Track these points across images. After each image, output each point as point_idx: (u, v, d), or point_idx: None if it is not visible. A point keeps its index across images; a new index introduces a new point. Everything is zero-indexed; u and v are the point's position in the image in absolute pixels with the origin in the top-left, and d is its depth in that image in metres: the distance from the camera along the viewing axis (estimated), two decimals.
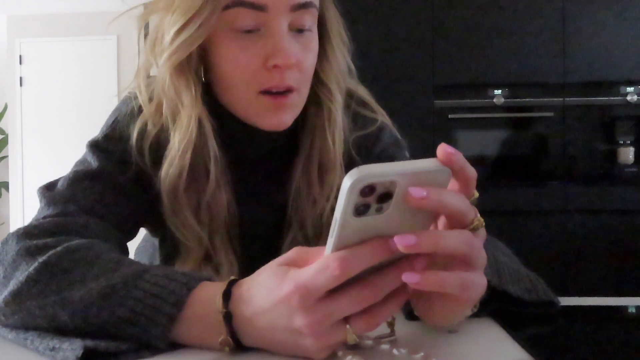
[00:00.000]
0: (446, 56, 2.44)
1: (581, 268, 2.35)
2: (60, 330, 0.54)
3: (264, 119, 0.70)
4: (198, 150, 0.71)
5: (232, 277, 0.52)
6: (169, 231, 0.75)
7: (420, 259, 0.44)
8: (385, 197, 0.41)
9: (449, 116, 2.43)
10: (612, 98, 2.39)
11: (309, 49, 0.70)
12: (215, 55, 0.70)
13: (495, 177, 2.48)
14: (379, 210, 0.41)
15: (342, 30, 0.78)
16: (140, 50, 0.76)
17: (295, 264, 0.48)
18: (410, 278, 0.42)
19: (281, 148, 0.79)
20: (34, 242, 0.60)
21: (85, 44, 4.79)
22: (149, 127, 0.73)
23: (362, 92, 0.85)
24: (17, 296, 0.56)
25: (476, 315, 0.55)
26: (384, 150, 0.83)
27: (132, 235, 0.77)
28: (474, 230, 0.45)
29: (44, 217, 0.67)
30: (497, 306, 0.60)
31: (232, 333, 0.50)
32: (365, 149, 0.82)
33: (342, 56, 0.78)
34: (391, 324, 0.51)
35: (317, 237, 0.78)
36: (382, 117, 0.85)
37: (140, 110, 0.75)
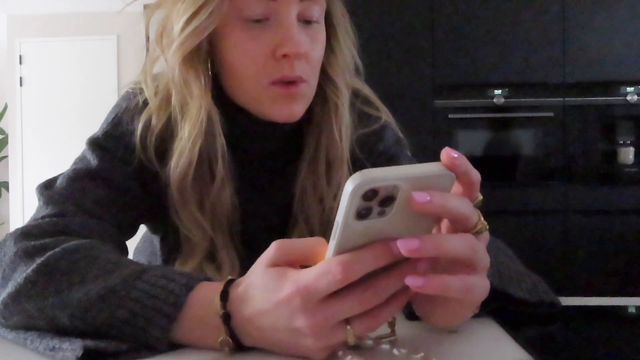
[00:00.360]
0: (446, 56, 2.44)
1: (581, 268, 2.35)
2: (60, 332, 0.54)
3: (275, 110, 0.70)
4: (206, 143, 0.70)
5: (230, 277, 0.52)
6: (172, 228, 0.74)
7: (422, 262, 0.44)
8: (388, 200, 0.41)
9: (449, 116, 2.43)
10: (612, 98, 2.39)
11: (317, 40, 0.70)
12: (224, 46, 0.69)
13: (495, 177, 2.48)
14: (381, 214, 0.41)
15: (349, 26, 0.78)
16: (146, 42, 0.75)
17: (280, 261, 0.48)
18: (413, 282, 0.42)
19: (287, 145, 0.78)
20: (32, 243, 0.59)
21: (85, 44, 4.78)
22: (154, 121, 0.72)
23: (367, 91, 0.85)
24: (15, 298, 0.56)
25: (476, 315, 0.55)
26: (386, 148, 0.83)
27: (131, 234, 0.77)
28: (477, 233, 0.45)
29: (43, 217, 0.66)
30: (497, 306, 0.60)
31: (232, 333, 0.50)
32: (368, 147, 0.81)
33: (348, 51, 0.78)
34: (392, 324, 0.51)
35: (324, 234, 0.77)
36: (386, 115, 0.85)
37: (145, 104, 0.74)
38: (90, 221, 0.67)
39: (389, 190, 0.40)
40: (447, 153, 0.42)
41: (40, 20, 4.79)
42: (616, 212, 2.35)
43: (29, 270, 0.56)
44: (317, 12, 0.70)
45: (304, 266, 0.47)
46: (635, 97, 2.37)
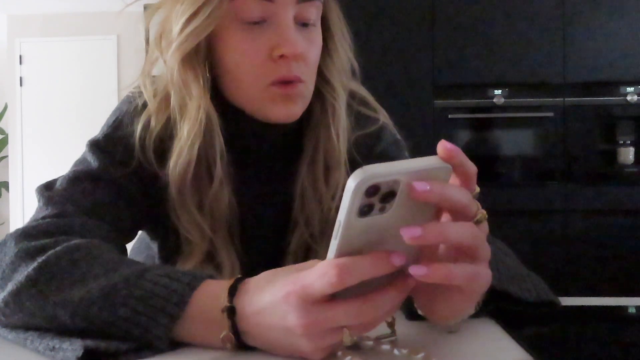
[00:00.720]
0: (446, 56, 2.44)
1: (581, 268, 2.35)
2: (61, 331, 0.54)
3: (273, 110, 0.70)
4: (205, 144, 0.71)
5: (239, 276, 0.53)
6: (171, 230, 0.75)
7: (424, 264, 0.44)
8: (388, 196, 0.41)
9: (449, 116, 2.43)
10: (612, 98, 2.40)
11: (313, 42, 0.71)
12: (222, 47, 0.70)
13: (495, 177, 2.48)
14: (382, 210, 0.42)
15: (345, 29, 0.79)
16: (145, 45, 0.75)
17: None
18: (417, 271, 0.42)
19: (286, 147, 0.79)
20: (33, 243, 0.60)
21: (85, 44, 4.79)
22: (153, 123, 0.73)
23: (364, 92, 0.86)
24: (16, 296, 0.56)
25: (476, 315, 0.55)
26: (384, 150, 0.83)
27: (130, 237, 0.77)
28: (477, 223, 0.46)
29: (43, 218, 0.66)
30: (497, 306, 0.60)
31: (234, 329, 0.50)
32: (366, 149, 0.82)
33: (344, 54, 0.78)
34: (391, 324, 0.52)
35: (323, 236, 0.78)
36: (384, 117, 0.85)
37: (144, 106, 0.75)
38: (90, 222, 0.67)
39: (389, 186, 0.40)
40: (443, 145, 0.43)
41: (40, 20, 4.79)
42: (616, 212, 2.35)
43: (30, 269, 0.56)
44: (314, 15, 0.71)
45: None
46: (635, 97, 2.37)
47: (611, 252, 2.34)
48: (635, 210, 2.34)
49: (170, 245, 0.77)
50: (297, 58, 0.68)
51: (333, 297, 0.45)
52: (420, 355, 0.47)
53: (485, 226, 0.47)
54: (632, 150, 2.40)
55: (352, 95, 0.83)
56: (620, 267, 2.33)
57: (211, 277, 0.54)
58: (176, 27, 0.69)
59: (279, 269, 0.51)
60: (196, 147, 0.70)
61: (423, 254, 0.46)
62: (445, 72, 2.44)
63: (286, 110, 0.70)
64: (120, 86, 4.65)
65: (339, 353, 0.48)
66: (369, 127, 0.83)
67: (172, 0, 0.70)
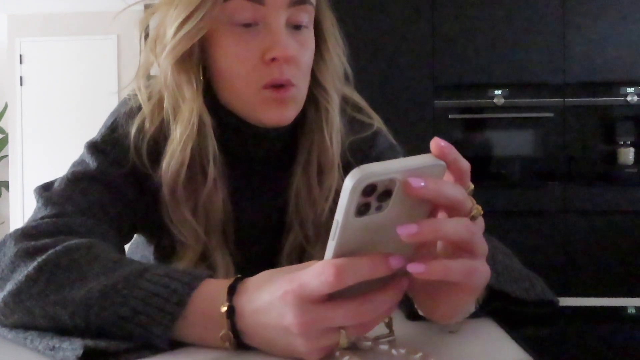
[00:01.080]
0: (446, 56, 2.44)
1: (581, 268, 2.35)
2: (60, 330, 0.54)
3: (266, 114, 0.71)
4: (198, 146, 0.71)
5: (239, 275, 0.53)
6: (166, 232, 0.75)
7: (421, 261, 0.44)
8: (385, 195, 0.41)
9: (449, 116, 2.43)
10: (612, 99, 2.40)
11: (305, 45, 0.72)
12: (215, 51, 0.71)
13: (495, 177, 2.48)
14: (379, 209, 0.42)
15: (337, 33, 0.80)
16: (141, 51, 0.77)
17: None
18: (415, 268, 0.43)
19: (280, 150, 0.79)
20: (32, 243, 0.60)
21: (86, 43, 4.79)
22: (147, 125, 0.74)
23: (357, 98, 0.87)
24: (16, 296, 0.56)
25: (476, 315, 0.55)
26: (380, 154, 0.84)
27: (128, 238, 0.78)
28: (473, 218, 0.46)
29: (42, 218, 0.66)
30: (496, 306, 0.60)
31: (234, 328, 0.50)
32: (361, 153, 0.82)
33: (337, 58, 0.79)
34: (389, 324, 0.51)
35: (318, 238, 0.78)
36: (378, 122, 0.86)
37: (139, 109, 0.75)
38: (90, 221, 0.67)
39: (386, 184, 0.41)
40: (436, 143, 0.43)
41: (41, 19, 4.80)
42: (616, 212, 2.35)
43: (30, 269, 0.56)
44: (306, 18, 0.71)
45: None
46: (636, 98, 2.37)
47: (611, 252, 2.34)
48: (635, 211, 2.34)
49: (165, 248, 0.77)
50: (288, 61, 0.69)
51: (330, 298, 0.45)
52: (418, 355, 0.47)
53: (480, 222, 0.47)
54: (632, 150, 2.40)
55: (345, 100, 0.84)
56: (620, 267, 2.33)
57: (211, 276, 0.54)
58: (170, 31, 0.70)
59: (277, 269, 0.51)
60: (188, 149, 0.70)
61: (421, 252, 0.47)
62: (445, 72, 2.44)
63: (279, 114, 0.71)
64: (121, 86, 4.65)
65: (337, 353, 0.48)
66: (363, 132, 0.83)
67: (166, 5, 0.71)
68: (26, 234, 0.62)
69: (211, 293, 0.51)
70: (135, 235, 0.84)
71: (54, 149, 4.75)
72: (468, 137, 2.49)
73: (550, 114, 2.41)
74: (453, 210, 0.45)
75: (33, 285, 0.55)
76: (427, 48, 2.44)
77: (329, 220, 0.77)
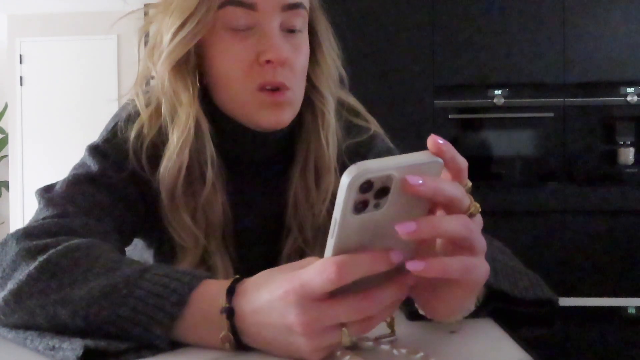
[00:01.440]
0: (446, 56, 2.44)
1: (581, 268, 2.35)
2: (61, 330, 0.54)
3: (262, 117, 0.71)
4: (195, 151, 0.72)
5: (237, 276, 0.53)
6: (166, 236, 0.75)
7: (420, 258, 0.44)
8: (382, 192, 0.41)
9: (449, 116, 2.43)
10: (612, 98, 2.39)
11: (299, 49, 0.73)
12: (211, 55, 0.72)
13: (495, 177, 2.48)
14: (376, 207, 0.42)
15: (332, 38, 0.81)
16: (139, 58, 0.78)
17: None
18: (414, 266, 0.43)
19: (277, 154, 0.79)
20: (34, 242, 0.60)
21: (86, 43, 4.79)
22: (145, 130, 0.75)
23: (353, 101, 0.87)
24: (17, 295, 0.56)
25: (476, 315, 0.55)
26: (377, 157, 0.84)
27: (129, 240, 0.78)
28: (471, 216, 0.46)
29: (43, 218, 0.67)
30: (496, 306, 0.60)
31: (233, 329, 0.50)
32: (359, 157, 0.83)
33: (332, 62, 0.80)
34: (391, 325, 0.52)
35: (316, 240, 0.78)
36: (375, 126, 0.86)
37: (137, 114, 0.76)
38: (91, 222, 0.68)
39: (383, 181, 0.41)
40: (433, 140, 0.44)
41: (41, 19, 4.80)
42: (616, 212, 2.35)
43: (31, 268, 0.56)
44: (300, 22, 0.72)
45: None
46: (635, 98, 2.37)
47: (611, 252, 2.34)
48: (636, 211, 2.34)
49: (165, 252, 0.77)
50: (282, 63, 0.70)
51: (331, 295, 0.45)
52: (419, 355, 0.47)
53: (479, 219, 0.48)
54: (632, 150, 2.40)
55: (341, 104, 0.84)
56: (620, 267, 2.33)
57: (210, 277, 0.54)
58: (166, 38, 0.71)
59: (275, 269, 0.51)
60: (186, 153, 0.71)
61: (420, 250, 0.47)
62: (445, 72, 2.44)
63: (275, 117, 0.71)
64: (121, 86, 4.66)
65: (338, 353, 0.48)
66: (360, 136, 0.84)
67: (163, 13, 0.73)
68: (28, 233, 0.62)
69: (210, 294, 0.51)
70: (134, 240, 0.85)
71: (54, 149, 4.75)
72: (468, 137, 2.49)
73: (550, 114, 2.41)
74: (451, 207, 0.45)
75: (34, 285, 0.55)
76: (427, 48, 2.44)
77: (327, 222, 0.78)
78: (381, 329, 0.51)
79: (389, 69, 2.42)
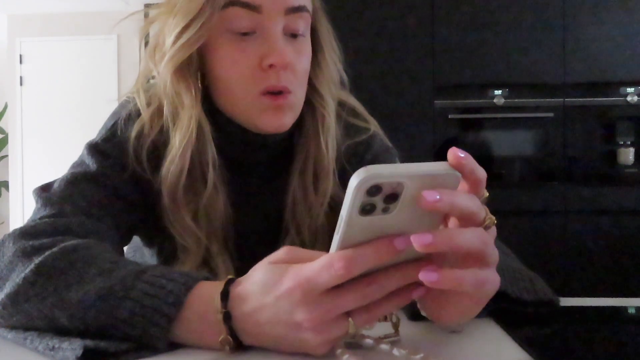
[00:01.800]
0: (446, 56, 2.44)
1: (581, 268, 2.35)
2: (59, 331, 0.54)
3: (264, 121, 0.71)
4: (197, 152, 0.72)
5: (230, 277, 0.53)
6: (167, 237, 0.75)
7: (430, 266, 0.44)
8: (392, 197, 0.41)
9: (449, 116, 2.43)
10: (612, 98, 2.39)
11: (302, 53, 0.73)
12: (214, 58, 0.72)
13: (495, 177, 2.48)
14: (385, 210, 0.42)
15: (333, 41, 0.81)
16: (140, 58, 0.78)
17: (289, 260, 0.49)
18: (428, 277, 0.42)
19: (277, 156, 0.79)
20: (31, 242, 0.60)
21: (86, 43, 4.79)
22: (146, 130, 0.74)
23: (353, 102, 0.87)
24: (14, 298, 0.56)
25: (476, 315, 0.55)
26: (375, 157, 0.84)
27: (127, 239, 0.78)
28: (486, 228, 0.46)
29: (41, 218, 0.66)
30: (497, 306, 0.60)
31: (232, 332, 0.50)
32: (357, 157, 0.83)
33: (333, 65, 0.80)
34: (396, 325, 0.52)
35: (314, 242, 0.78)
36: (374, 127, 0.86)
37: (138, 114, 0.76)
38: (89, 222, 0.67)
39: (393, 187, 0.40)
40: (453, 153, 0.43)
41: (41, 19, 4.79)
42: (616, 212, 2.35)
43: (27, 271, 0.56)
44: (302, 26, 0.72)
45: None
46: (636, 98, 2.37)
47: (611, 252, 2.34)
48: (635, 211, 2.34)
49: (167, 253, 0.77)
50: (285, 67, 0.70)
51: (334, 287, 0.45)
52: (419, 356, 0.47)
53: (493, 231, 0.47)
54: (632, 150, 2.40)
55: (341, 105, 0.84)
56: (620, 267, 2.33)
57: (207, 278, 0.54)
58: (169, 40, 0.71)
59: (263, 267, 0.51)
60: (188, 155, 0.71)
61: (430, 254, 0.46)
62: (445, 72, 2.44)
63: (277, 121, 0.71)
64: (121, 86, 4.66)
65: (338, 351, 0.48)
66: (359, 137, 0.84)
67: (166, 13, 0.72)
68: (25, 233, 0.62)
69: (206, 296, 0.51)
70: (134, 241, 0.85)
71: (54, 149, 4.74)
72: (468, 137, 2.49)
73: (550, 114, 2.41)
74: (466, 220, 0.45)
75: (30, 288, 0.55)
76: (427, 48, 2.44)
77: (324, 225, 0.78)
78: (386, 328, 0.51)
79: (389, 69, 2.42)
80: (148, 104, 0.75)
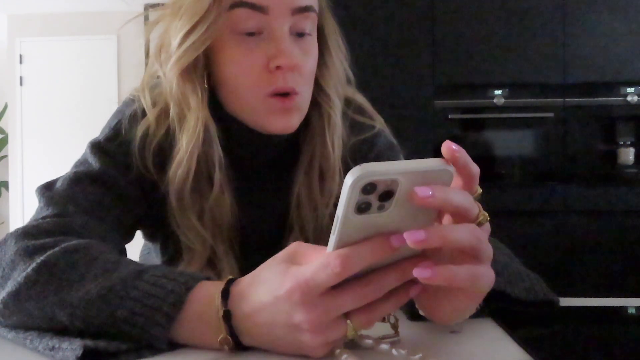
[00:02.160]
0: (446, 56, 2.44)
1: (581, 268, 2.35)
2: (60, 331, 0.54)
3: (271, 122, 0.71)
4: (204, 154, 0.72)
5: (230, 277, 0.53)
6: (172, 235, 0.75)
7: (426, 262, 0.44)
8: (387, 195, 0.41)
9: (449, 116, 2.43)
10: (612, 98, 2.39)
11: (309, 53, 0.72)
12: (220, 59, 0.71)
13: (495, 177, 2.48)
14: (380, 209, 0.42)
15: (340, 39, 0.80)
16: (143, 58, 0.77)
17: (295, 258, 0.49)
18: (421, 273, 0.43)
19: (283, 155, 0.79)
20: (32, 242, 0.60)
21: (85, 43, 4.78)
22: (151, 132, 0.74)
23: (360, 99, 0.87)
24: (15, 297, 0.56)
25: (476, 315, 0.55)
26: (379, 154, 0.84)
27: (130, 238, 0.78)
28: (479, 224, 0.46)
29: (43, 218, 0.67)
30: (497, 306, 0.60)
31: (232, 331, 0.50)
32: (361, 155, 0.83)
33: (340, 64, 0.80)
34: (395, 326, 0.52)
35: (318, 242, 0.78)
36: (380, 124, 0.86)
37: (143, 114, 0.75)
38: (91, 222, 0.67)
39: (387, 185, 0.40)
40: (447, 146, 0.43)
41: (41, 19, 4.79)
42: (616, 213, 2.35)
43: (29, 270, 0.56)
44: (309, 26, 0.72)
45: None
46: (636, 98, 2.37)
47: (611, 252, 2.34)
48: (635, 211, 2.34)
49: (170, 252, 0.77)
50: (292, 69, 0.69)
51: (332, 288, 0.45)
52: (418, 356, 0.47)
53: (487, 227, 0.47)
54: (632, 150, 2.40)
55: (347, 103, 0.84)
56: (620, 267, 2.33)
57: (208, 278, 0.54)
58: (175, 41, 0.70)
59: (265, 266, 0.51)
60: (195, 158, 0.71)
61: (425, 251, 0.47)
62: (445, 72, 2.44)
63: (283, 123, 0.71)
64: (121, 86, 4.65)
65: (337, 351, 0.48)
66: (363, 133, 0.84)
67: (171, 14, 0.72)
68: (27, 233, 0.62)
69: (206, 296, 0.51)
70: (145, 242, 0.85)
71: (54, 149, 4.74)
72: (468, 137, 2.49)
73: (550, 114, 2.41)
74: (460, 216, 0.45)
75: (32, 287, 0.55)
76: (427, 48, 2.44)
77: (329, 225, 0.77)
78: (386, 329, 0.51)
79: (389, 69, 2.42)
80: (154, 104, 0.75)
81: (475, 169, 0.45)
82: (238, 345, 0.50)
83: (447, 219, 0.47)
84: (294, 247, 0.50)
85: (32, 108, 4.87)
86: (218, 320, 0.50)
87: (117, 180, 0.73)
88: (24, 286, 0.56)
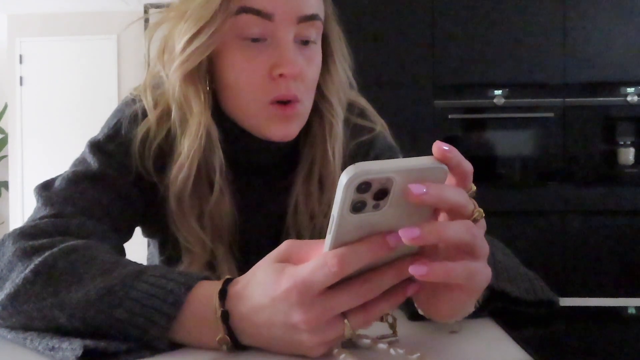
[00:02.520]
0: (446, 56, 2.44)
1: (581, 268, 2.35)
2: (59, 332, 0.54)
3: (271, 129, 0.71)
4: (204, 158, 0.72)
5: (228, 276, 0.53)
6: (171, 236, 0.75)
7: (421, 259, 0.44)
8: (382, 194, 0.41)
9: (449, 116, 2.43)
10: (612, 99, 2.39)
11: (312, 61, 0.72)
12: (223, 64, 0.71)
13: (495, 177, 2.48)
14: (376, 207, 0.42)
15: (344, 47, 0.80)
16: (148, 58, 0.77)
17: (290, 257, 0.49)
18: (417, 270, 0.43)
19: (283, 160, 0.79)
20: (30, 242, 0.60)
21: (85, 43, 4.78)
22: (152, 133, 0.74)
23: (363, 103, 0.87)
24: (14, 299, 0.56)
25: (476, 315, 0.55)
26: (377, 155, 0.84)
27: (128, 237, 0.77)
28: (475, 221, 0.46)
29: (41, 218, 0.66)
30: (496, 306, 0.60)
31: (230, 331, 0.50)
32: (360, 156, 0.83)
33: (343, 71, 0.80)
34: (393, 325, 0.51)
35: None
36: (381, 126, 0.86)
37: (143, 114, 0.75)
38: (89, 222, 0.67)
39: (382, 183, 0.40)
40: (438, 146, 0.43)
41: (41, 19, 4.79)
42: (616, 213, 2.35)
43: (27, 271, 0.56)
44: (314, 34, 0.71)
45: None
46: (636, 98, 2.37)
47: (611, 252, 2.34)
48: (636, 211, 2.34)
49: (169, 254, 0.77)
50: (296, 78, 0.69)
51: (329, 288, 0.45)
52: (415, 356, 0.47)
53: (482, 223, 0.47)
54: (632, 150, 2.40)
55: (350, 107, 0.84)
56: (620, 267, 2.33)
57: (207, 278, 0.54)
58: (179, 45, 0.70)
59: (261, 265, 0.51)
60: (196, 162, 0.71)
61: (422, 249, 0.47)
62: (445, 72, 2.44)
63: (284, 130, 0.71)
64: (120, 86, 4.65)
65: (335, 351, 0.48)
66: (363, 136, 0.84)
67: (176, 17, 0.71)
68: (24, 233, 0.62)
69: (205, 295, 0.51)
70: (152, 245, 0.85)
71: (54, 149, 4.74)
72: (468, 137, 2.49)
73: (550, 114, 2.41)
74: (455, 213, 0.45)
75: (30, 288, 0.55)
76: (427, 48, 2.44)
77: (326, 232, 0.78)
78: (384, 329, 0.51)
79: (389, 69, 2.42)
80: (155, 105, 0.75)
81: (469, 166, 0.45)
82: (236, 345, 0.50)
83: (442, 217, 0.47)
84: (286, 245, 0.50)
85: (32, 108, 4.87)
86: (216, 321, 0.50)
87: (116, 181, 0.72)
88: (22, 288, 0.55)
